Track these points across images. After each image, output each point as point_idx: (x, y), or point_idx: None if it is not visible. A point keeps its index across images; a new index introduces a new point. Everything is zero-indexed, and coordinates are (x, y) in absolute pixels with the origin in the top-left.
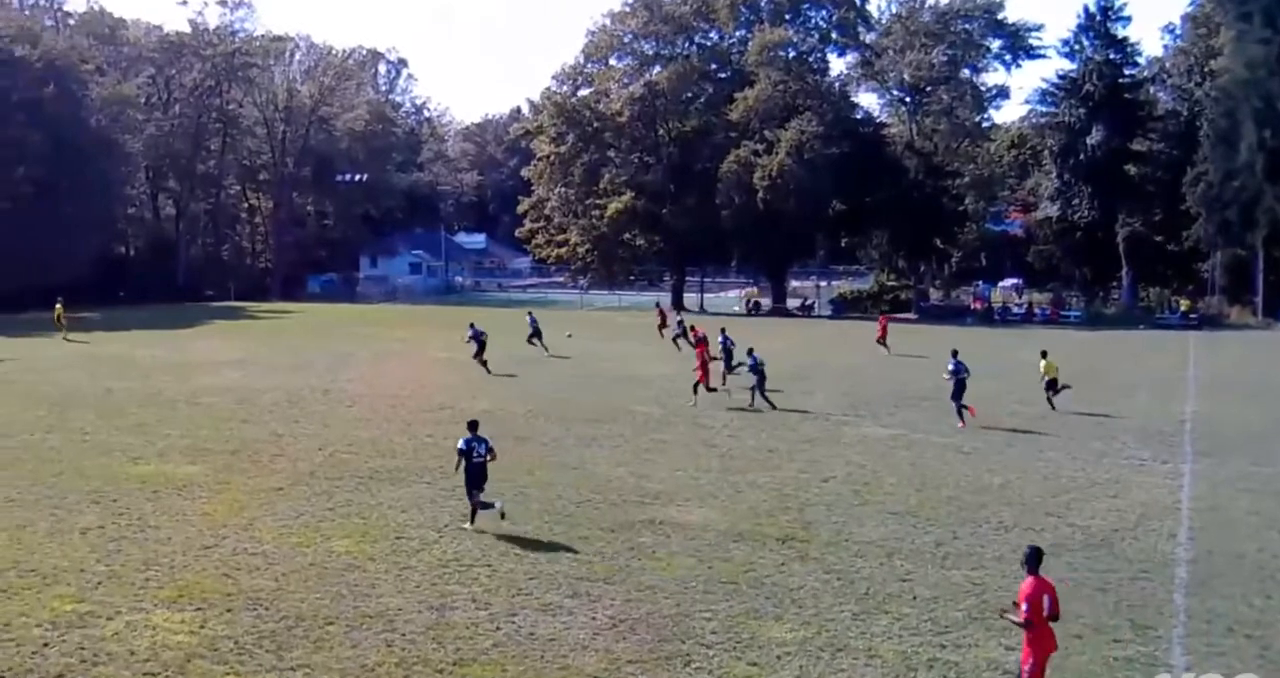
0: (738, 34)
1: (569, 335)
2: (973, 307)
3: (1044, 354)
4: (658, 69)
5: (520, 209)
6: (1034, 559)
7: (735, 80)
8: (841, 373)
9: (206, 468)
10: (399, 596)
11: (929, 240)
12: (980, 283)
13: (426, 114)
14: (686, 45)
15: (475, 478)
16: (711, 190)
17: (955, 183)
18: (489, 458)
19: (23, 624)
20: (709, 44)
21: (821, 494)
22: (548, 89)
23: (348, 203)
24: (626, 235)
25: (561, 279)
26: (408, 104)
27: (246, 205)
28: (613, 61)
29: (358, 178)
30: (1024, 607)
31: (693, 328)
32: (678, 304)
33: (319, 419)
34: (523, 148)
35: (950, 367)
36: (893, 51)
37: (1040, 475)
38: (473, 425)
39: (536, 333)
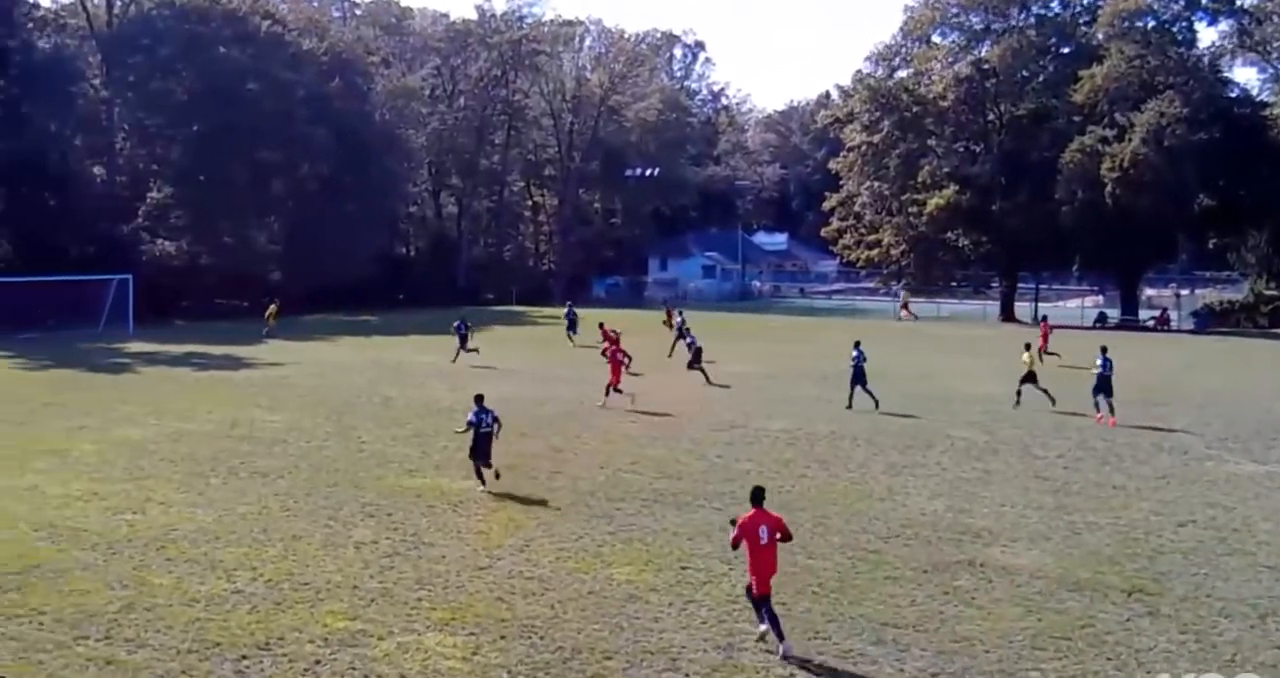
0: (1084, 2)
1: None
2: None
3: (1027, 347)
4: (987, 46)
5: (826, 206)
6: (756, 496)
7: (1080, 56)
8: (1205, 398)
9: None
10: (683, 631)
11: None
12: None
13: (724, 102)
14: (1022, 17)
15: (482, 447)
16: (1049, 184)
17: None
18: (495, 429)
19: (296, 640)
20: (1049, 15)
21: (1177, 541)
22: (860, 71)
23: (637, 200)
24: (948, 235)
25: (872, 285)
26: (704, 91)
27: (530, 203)
28: (935, 38)
29: (648, 172)
30: (733, 532)
31: (611, 330)
32: (1007, 315)
33: (600, 435)
34: (831, 137)
35: (1098, 362)
36: (1277, 17)
37: None
38: (479, 399)
39: (572, 325)
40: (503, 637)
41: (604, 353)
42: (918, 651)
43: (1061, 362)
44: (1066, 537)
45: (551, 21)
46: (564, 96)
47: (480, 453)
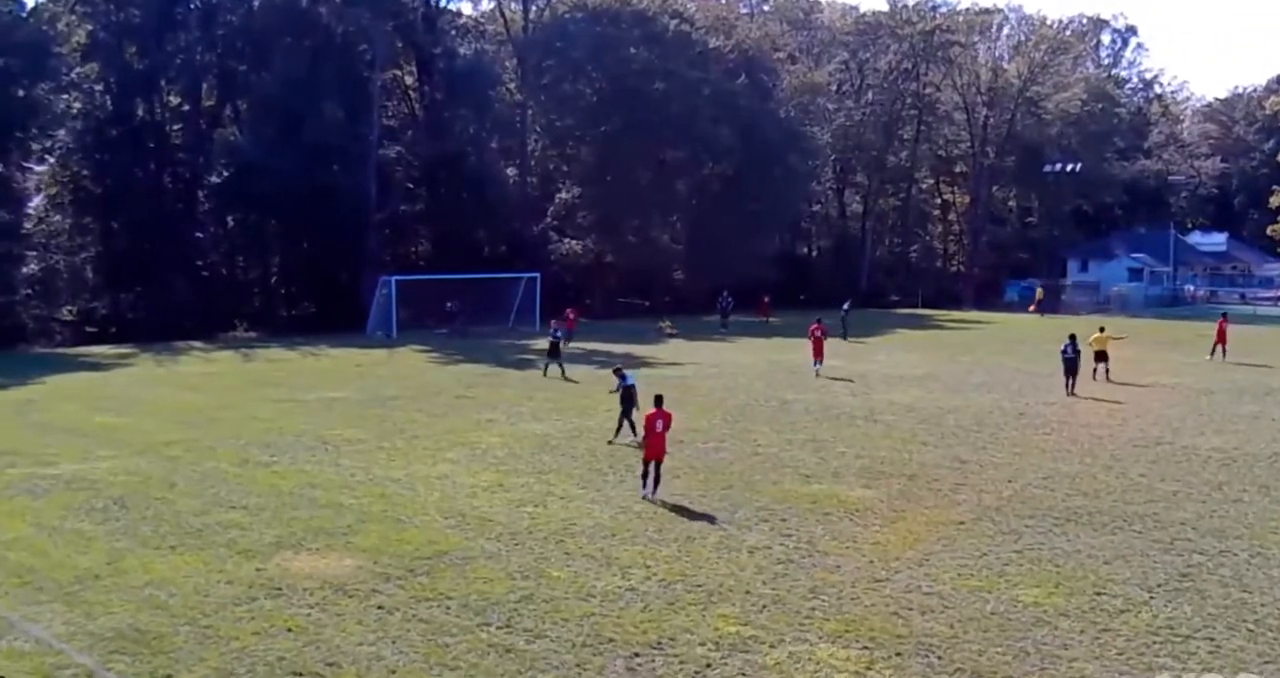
0: None
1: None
2: None
3: (1101, 329)
4: None
5: (1274, 202)
6: (657, 401)
7: None
8: None
9: (881, 493)
10: (1095, 662)
11: None
12: None
13: (1157, 90)
14: None
15: (628, 403)
16: None
17: None
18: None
19: (687, 641)
20: None
21: None
22: None
23: (1056, 197)
24: None
25: None
26: (1134, 79)
27: (939, 201)
28: None
29: (1069, 168)
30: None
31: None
32: None
33: (1009, 447)
34: None
35: None
36: None
37: None
38: (618, 370)
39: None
40: (898, 654)
41: (812, 333)
42: None
43: (1224, 361)
44: None
45: (967, 10)
46: (978, 88)
47: (628, 412)
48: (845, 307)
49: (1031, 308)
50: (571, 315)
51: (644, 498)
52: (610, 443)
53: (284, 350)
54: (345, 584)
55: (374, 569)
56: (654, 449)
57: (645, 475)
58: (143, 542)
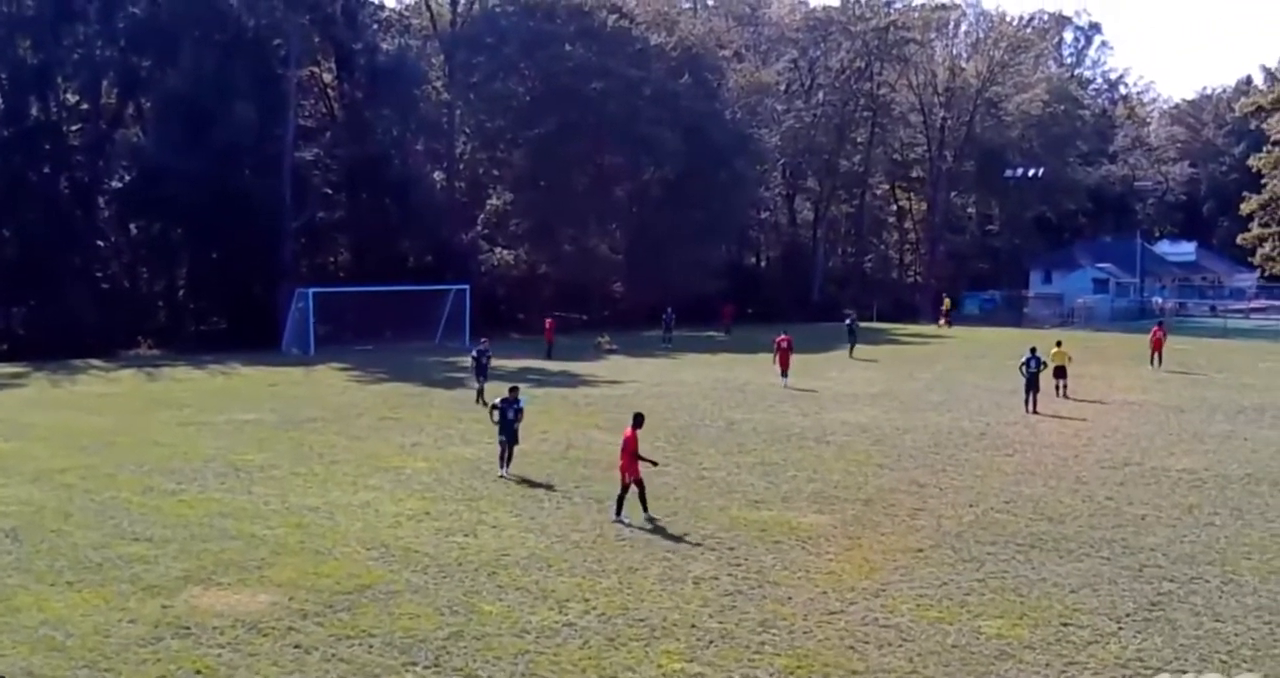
0: None
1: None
2: None
3: (1058, 344)
4: None
5: (1245, 209)
6: (637, 421)
7: None
8: None
9: (835, 519)
10: None
11: None
12: None
13: (1123, 91)
14: None
15: (509, 432)
16: None
17: None
18: (517, 419)
19: None
20: None
21: None
22: None
23: (1018, 204)
24: None
25: None
26: (1099, 79)
27: (894, 208)
28: None
29: (1031, 173)
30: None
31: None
32: None
33: (970, 469)
34: (1252, 130)
35: None
36: None
37: None
38: (513, 390)
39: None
40: None
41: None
42: None
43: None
44: None
45: (923, 5)
46: (935, 89)
47: (508, 438)
48: (850, 319)
49: (942, 321)
50: (549, 326)
51: (613, 521)
52: (501, 477)
53: (191, 369)
54: (259, 622)
55: (290, 606)
56: (628, 470)
57: (620, 499)
58: (37, 578)
